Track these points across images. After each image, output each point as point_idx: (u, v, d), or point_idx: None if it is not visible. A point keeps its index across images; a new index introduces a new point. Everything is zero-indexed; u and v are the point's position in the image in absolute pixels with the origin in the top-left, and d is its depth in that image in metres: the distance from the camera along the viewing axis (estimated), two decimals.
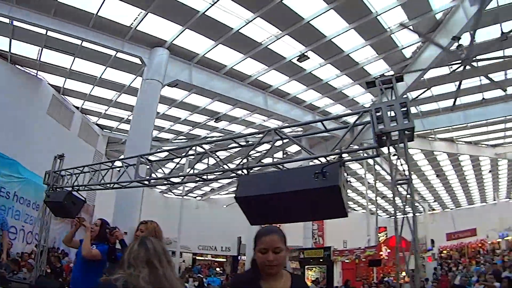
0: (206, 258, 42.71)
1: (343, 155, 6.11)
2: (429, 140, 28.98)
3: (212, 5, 13.82)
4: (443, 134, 28.54)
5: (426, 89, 17.60)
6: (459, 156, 33.00)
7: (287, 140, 7.07)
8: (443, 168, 36.67)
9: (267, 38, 15.97)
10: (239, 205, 6.22)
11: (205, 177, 8.07)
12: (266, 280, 2.79)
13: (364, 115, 6.53)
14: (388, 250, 23.04)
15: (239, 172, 7.09)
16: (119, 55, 16.40)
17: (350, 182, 29.01)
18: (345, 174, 6.06)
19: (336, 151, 6.08)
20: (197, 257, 42.02)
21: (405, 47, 17.37)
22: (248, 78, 19.07)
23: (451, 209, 54.32)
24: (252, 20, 14.71)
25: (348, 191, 40.56)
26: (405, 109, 6.14)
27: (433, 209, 52.34)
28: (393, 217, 6.31)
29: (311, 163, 6.59)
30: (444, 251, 46.97)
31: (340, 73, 18.86)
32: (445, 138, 29.36)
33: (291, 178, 5.94)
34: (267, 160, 7.12)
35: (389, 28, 15.83)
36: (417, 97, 17.33)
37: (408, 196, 6.30)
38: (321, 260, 24.86)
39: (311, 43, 16.38)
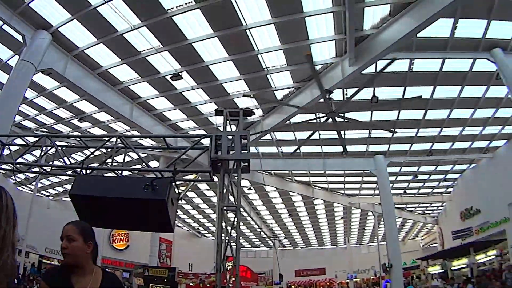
0: (53, 263, 40.32)
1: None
2: (286, 181, 30.20)
3: (106, 2, 13.59)
4: (301, 177, 29.98)
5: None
6: (314, 199, 34.77)
7: (145, 154, 7.22)
8: (297, 208, 38.37)
9: (147, 49, 15.99)
10: (72, 202, 6.22)
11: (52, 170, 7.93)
12: (76, 274, 2.87)
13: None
14: (233, 278, 23.50)
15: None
16: (5, 27, 15.27)
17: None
18: (177, 191, 6.32)
19: (170, 168, 6.32)
20: (44, 260, 39.50)
21: (278, 89, 18.32)
22: (120, 84, 18.70)
23: (301, 248, 56.58)
24: (138, 28, 14.67)
25: (200, 217, 40.99)
26: (245, 141, 6.70)
27: (284, 246, 54.20)
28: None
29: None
30: (293, 286, 49.07)
31: (209, 100, 19.24)
32: (303, 181, 30.88)
33: (125, 186, 6.08)
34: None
35: (266, 68, 16.67)
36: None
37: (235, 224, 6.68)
38: (165, 280, 24.81)
39: (188, 64, 16.67)
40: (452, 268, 31.95)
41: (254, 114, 9.16)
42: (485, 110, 22.67)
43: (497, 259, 28.78)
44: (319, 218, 42.84)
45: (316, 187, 32.61)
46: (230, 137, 6.85)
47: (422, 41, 16.14)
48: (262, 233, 44.41)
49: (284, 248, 54.10)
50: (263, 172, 27.00)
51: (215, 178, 7.26)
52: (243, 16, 13.98)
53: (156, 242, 28.99)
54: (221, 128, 20.77)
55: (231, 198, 7.34)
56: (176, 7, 13.72)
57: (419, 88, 19.18)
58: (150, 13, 14.07)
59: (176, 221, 32.48)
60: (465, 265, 30.74)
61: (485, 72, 18.86)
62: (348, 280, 50.70)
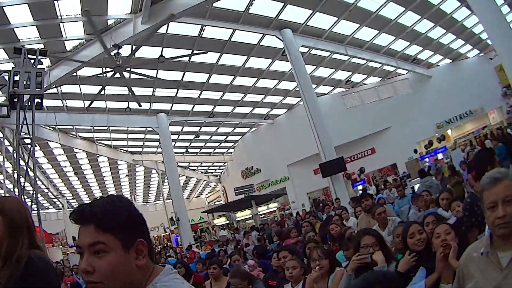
0: None
1: None
2: (71, 137, 29.13)
3: None
4: (85, 133, 29.35)
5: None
6: (98, 156, 34.06)
7: None
8: (82, 166, 36.93)
9: None
10: None
11: None
12: None
13: None
14: None
15: None
16: None
17: None
18: None
19: None
20: None
21: (69, 40, 17.61)
22: None
23: None
24: None
25: None
26: (40, 79, 7.15)
27: (72, 206, 52.24)
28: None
29: None
30: None
31: None
32: (87, 137, 30.12)
33: None
34: None
35: (61, 16, 15.87)
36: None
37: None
38: None
39: None
40: (237, 220, 34.60)
41: (47, 55, 8.96)
42: (268, 81, 25.13)
43: (280, 213, 32.86)
44: (104, 176, 42.18)
45: (100, 144, 32.05)
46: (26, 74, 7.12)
47: (217, 10, 17.40)
48: (49, 193, 42.16)
49: (73, 208, 51.85)
50: (48, 128, 25.64)
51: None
52: None
53: None
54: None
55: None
56: None
57: (206, 55, 20.29)
58: None
59: None
60: (249, 216, 33.61)
61: (272, 47, 21.26)
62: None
